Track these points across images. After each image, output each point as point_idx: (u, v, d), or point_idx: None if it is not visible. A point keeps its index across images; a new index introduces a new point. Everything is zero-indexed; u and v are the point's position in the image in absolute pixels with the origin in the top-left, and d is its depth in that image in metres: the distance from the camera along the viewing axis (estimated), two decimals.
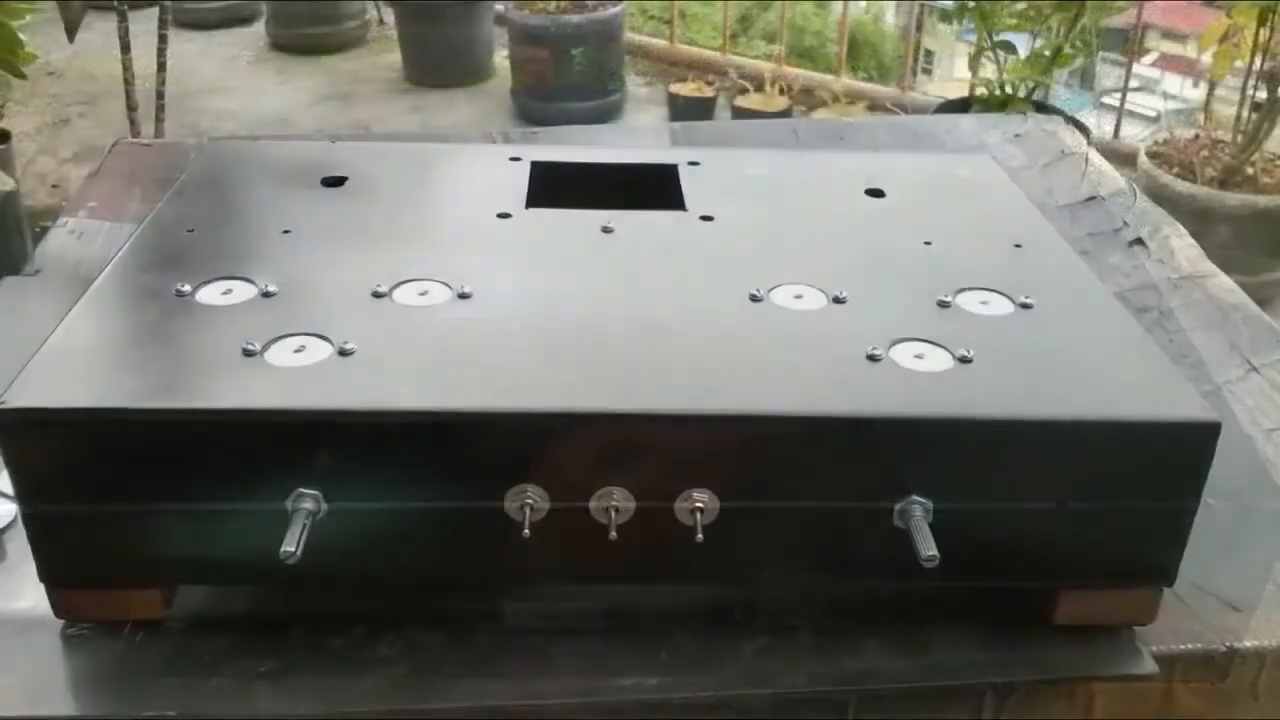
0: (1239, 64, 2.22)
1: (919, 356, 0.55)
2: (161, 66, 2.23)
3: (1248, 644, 0.57)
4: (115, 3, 2.13)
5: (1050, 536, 0.54)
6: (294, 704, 0.52)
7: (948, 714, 0.57)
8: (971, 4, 2.36)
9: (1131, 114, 3.27)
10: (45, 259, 0.87)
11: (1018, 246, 0.66)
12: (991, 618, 0.57)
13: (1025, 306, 0.60)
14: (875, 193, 0.73)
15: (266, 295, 0.58)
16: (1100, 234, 0.94)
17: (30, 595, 0.56)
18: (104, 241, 0.89)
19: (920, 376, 0.53)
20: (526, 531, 0.50)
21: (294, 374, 0.52)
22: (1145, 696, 0.57)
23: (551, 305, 0.58)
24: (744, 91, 3.06)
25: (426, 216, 0.68)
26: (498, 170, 0.74)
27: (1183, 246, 0.92)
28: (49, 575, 0.53)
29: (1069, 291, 0.62)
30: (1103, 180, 1.02)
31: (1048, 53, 2.35)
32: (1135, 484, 0.52)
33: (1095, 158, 1.06)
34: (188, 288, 0.58)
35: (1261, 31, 2.13)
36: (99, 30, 2.65)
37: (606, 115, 3.11)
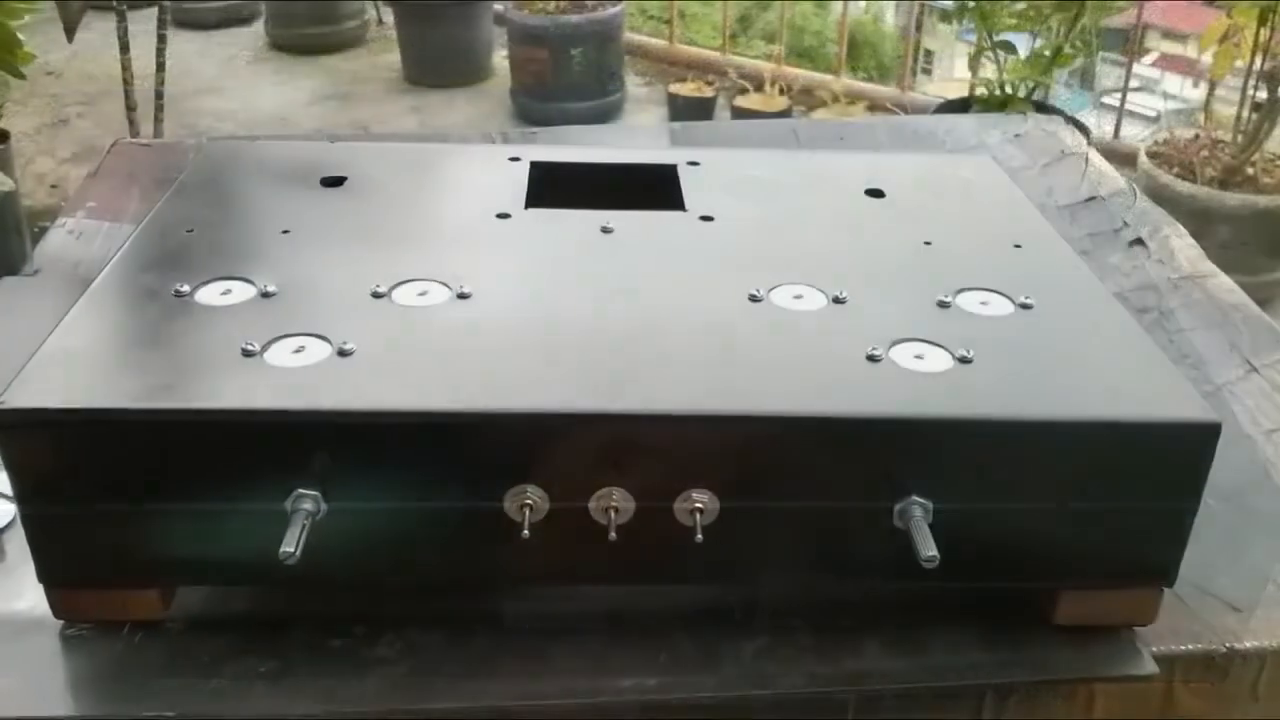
0: (1239, 64, 2.22)
1: (919, 357, 0.55)
2: (160, 66, 2.23)
3: (1248, 644, 0.57)
4: (114, 3, 2.13)
5: (1050, 537, 0.54)
6: (293, 704, 0.52)
7: (948, 714, 0.57)
8: (971, 4, 2.36)
9: (1131, 114, 3.27)
10: (44, 259, 0.87)
11: (1017, 247, 0.66)
12: (991, 618, 0.57)
13: (1025, 307, 0.59)
14: (875, 193, 0.73)
15: (266, 295, 0.58)
16: (1100, 234, 0.94)
17: (29, 596, 0.56)
18: (103, 242, 0.89)
19: (920, 377, 0.53)
20: (526, 532, 0.50)
21: (293, 374, 0.52)
22: (1145, 697, 0.57)
23: (551, 305, 0.58)
24: (744, 91, 3.06)
25: (426, 217, 0.68)
26: (497, 170, 0.74)
27: (1183, 247, 0.92)
28: (48, 576, 0.53)
29: (1069, 292, 0.62)
30: (1103, 180, 1.02)
31: (1048, 53, 2.35)
32: (1135, 484, 0.52)
33: (1095, 158, 1.06)
34: (187, 288, 0.58)
35: (1262, 31, 2.14)
36: (98, 30, 2.65)
37: (606, 115, 3.11)
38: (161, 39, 2.22)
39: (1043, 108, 2.35)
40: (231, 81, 3.43)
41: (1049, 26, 2.36)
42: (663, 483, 0.51)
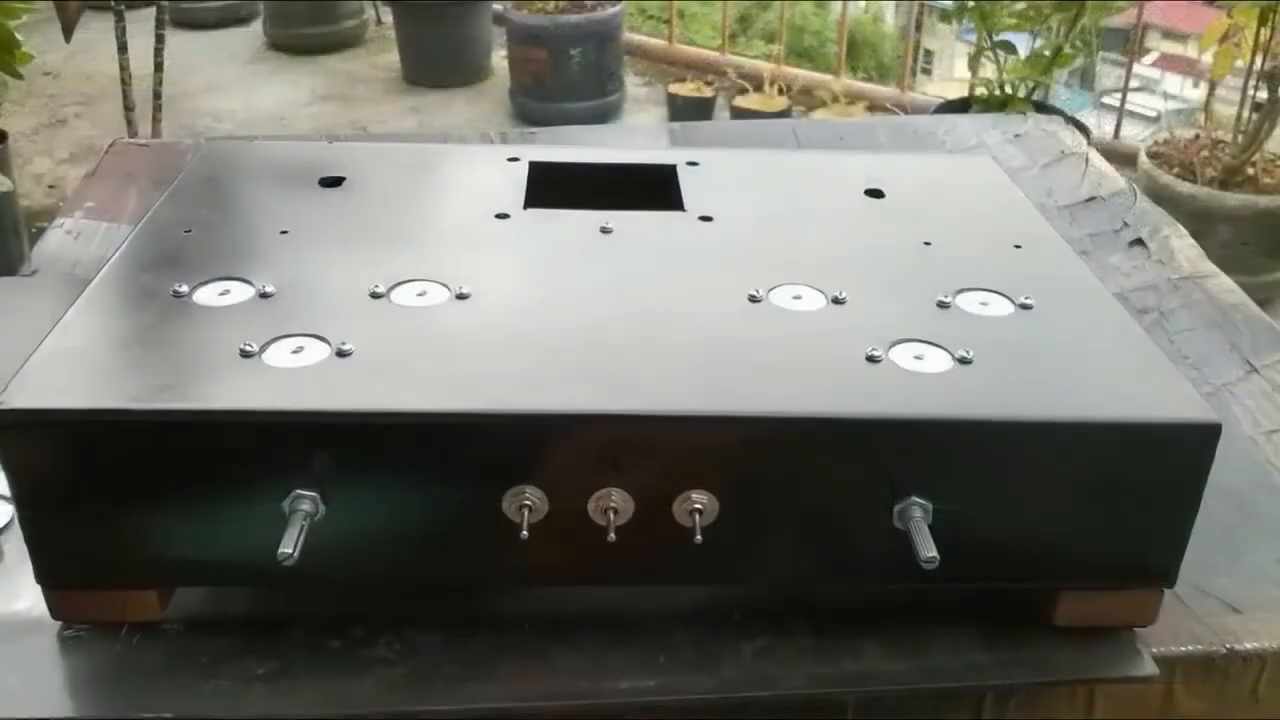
0: (1239, 64, 2.22)
1: (918, 357, 0.55)
2: (159, 66, 2.23)
3: (1248, 646, 0.56)
4: (112, 3, 2.13)
5: (1050, 538, 0.54)
6: (292, 705, 0.51)
7: (947, 714, 0.57)
8: (971, 4, 2.36)
9: (1132, 114, 3.27)
10: (42, 259, 0.87)
11: (1017, 247, 0.66)
12: (991, 619, 0.57)
13: (1025, 307, 0.59)
14: (875, 193, 0.73)
15: (264, 296, 0.57)
16: (1100, 234, 0.94)
17: (27, 597, 0.55)
18: (101, 242, 0.89)
19: (920, 377, 0.53)
20: (525, 533, 0.50)
21: (292, 375, 0.51)
22: (1146, 698, 0.57)
23: (550, 306, 0.58)
24: (743, 91, 3.06)
25: (424, 217, 0.68)
26: (496, 171, 0.74)
27: (1183, 247, 0.92)
28: (46, 576, 0.53)
29: (1069, 292, 0.61)
30: (1103, 180, 1.02)
31: (1048, 53, 2.35)
32: (1135, 485, 0.52)
33: (1095, 158, 1.06)
34: (185, 288, 0.58)
35: (1262, 31, 2.13)
36: (96, 30, 2.65)
37: (605, 115, 3.11)
38: (159, 39, 2.22)
39: (1043, 108, 2.35)
40: (230, 82, 3.43)
41: (1049, 26, 2.36)
42: (662, 483, 0.51)
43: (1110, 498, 0.52)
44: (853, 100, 3.08)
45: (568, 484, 0.50)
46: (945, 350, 0.55)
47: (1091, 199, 0.99)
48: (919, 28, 3.55)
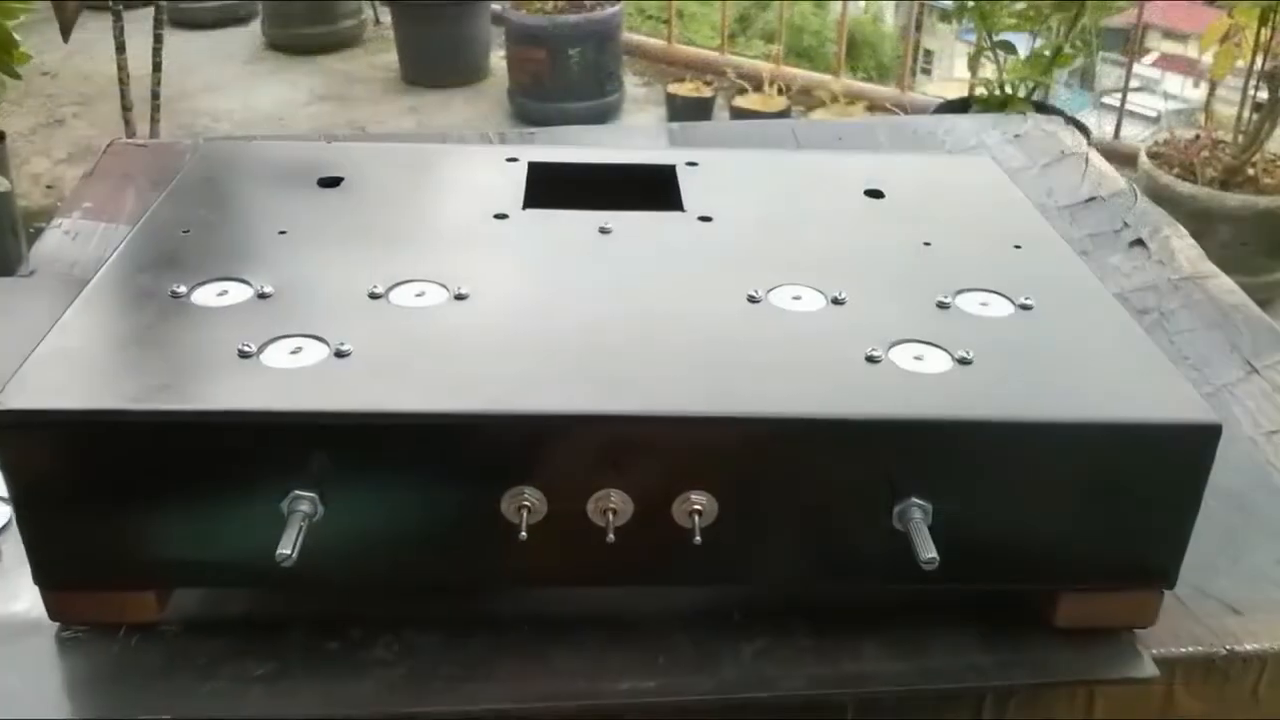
0: (1240, 64, 2.22)
1: (918, 358, 0.54)
2: (157, 66, 2.23)
3: (1248, 647, 0.56)
4: (110, 3, 2.13)
5: (1050, 539, 0.53)
6: (290, 706, 0.51)
7: (947, 715, 0.56)
8: (971, 4, 2.36)
9: (1132, 114, 3.27)
10: (40, 260, 0.87)
11: (1017, 247, 0.66)
12: (991, 620, 0.57)
13: (1025, 308, 0.59)
14: (874, 193, 0.73)
15: (262, 296, 0.57)
16: (1100, 235, 0.94)
17: (25, 598, 0.55)
18: (99, 242, 0.88)
19: (919, 378, 0.53)
20: (524, 534, 0.50)
21: (290, 376, 0.51)
22: (1146, 699, 0.57)
23: (549, 306, 0.58)
24: (742, 92, 3.06)
25: (423, 217, 0.68)
26: (494, 171, 0.74)
27: (1183, 247, 0.92)
28: (44, 577, 0.53)
29: (1069, 293, 0.61)
30: (1103, 181, 1.02)
31: (1048, 53, 2.35)
32: (1135, 486, 0.52)
33: (1095, 158, 1.06)
34: (183, 289, 0.58)
35: (1262, 31, 2.13)
36: (94, 30, 2.64)
37: (604, 115, 3.11)
38: (158, 39, 2.22)
39: (1043, 108, 2.35)
40: (228, 82, 3.43)
41: (1049, 26, 2.36)
42: (661, 484, 0.51)
43: (1110, 499, 0.52)
44: (852, 100, 3.08)
45: (567, 485, 0.50)
46: (945, 351, 0.55)
47: (1091, 199, 0.99)
48: (919, 28, 3.55)
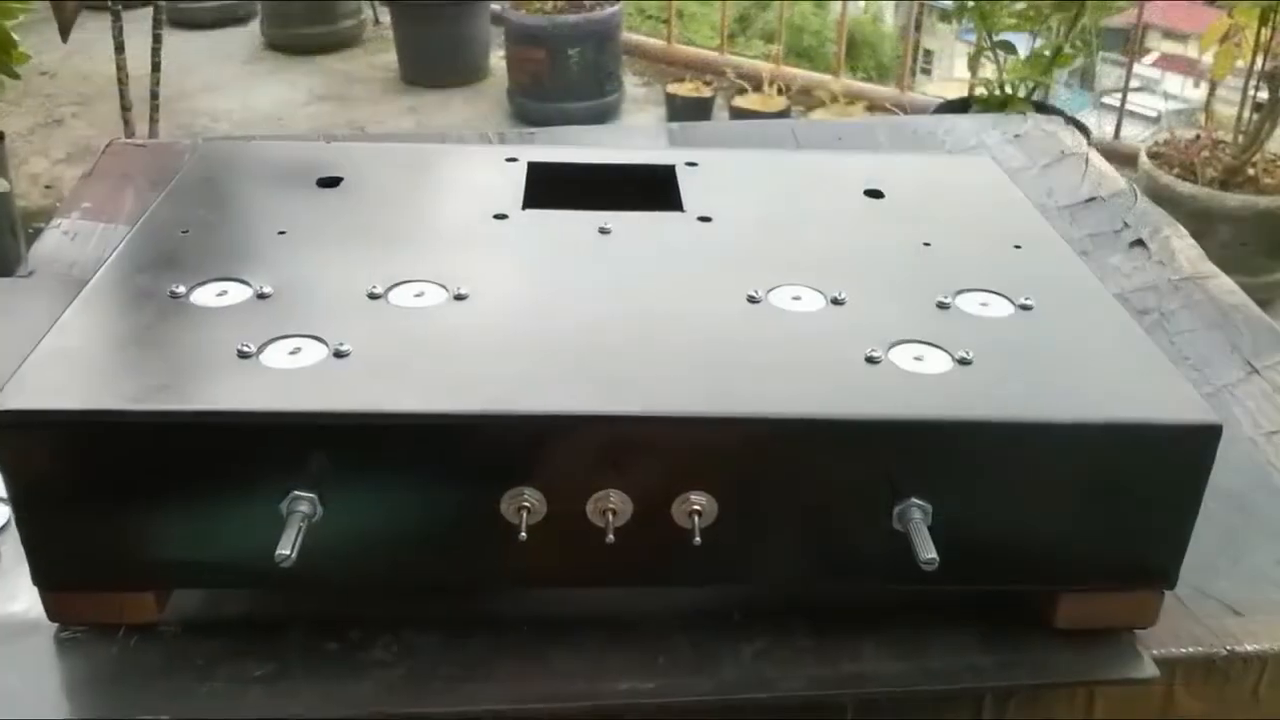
0: (1240, 64, 2.22)
1: (918, 358, 0.54)
2: (156, 66, 2.23)
3: (1249, 647, 0.56)
4: (109, 3, 2.13)
5: (1050, 539, 0.53)
6: (290, 707, 0.51)
7: (947, 716, 0.56)
8: (971, 4, 2.36)
9: (1132, 114, 3.27)
10: (38, 260, 0.87)
11: (1017, 248, 0.66)
12: (991, 620, 0.56)
13: (1025, 308, 0.59)
14: (874, 193, 0.73)
15: (261, 297, 0.57)
16: (1100, 235, 0.94)
17: (24, 598, 0.55)
18: (98, 243, 0.88)
19: (919, 378, 0.53)
20: (523, 534, 0.50)
21: (289, 376, 0.51)
22: (1146, 700, 0.57)
23: (548, 306, 0.58)
24: (742, 92, 3.06)
25: (422, 217, 0.68)
26: (494, 171, 0.74)
27: (1183, 247, 0.92)
28: (43, 578, 0.52)
29: (1069, 293, 0.61)
30: (1103, 181, 1.02)
31: (1048, 53, 2.35)
32: (1136, 486, 0.52)
33: (1095, 158, 1.05)
34: (182, 289, 0.58)
35: (1263, 31, 2.13)
36: (93, 30, 2.64)
37: (604, 115, 3.11)
38: (157, 39, 2.22)
39: (1043, 108, 2.35)
40: (227, 82, 3.43)
41: (1049, 26, 2.36)
42: (661, 485, 0.51)
43: (1110, 499, 0.52)
44: (852, 100, 3.08)
45: (566, 485, 0.50)
46: (945, 351, 0.55)
47: (1091, 199, 0.99)
48: (919, 27, 3.55)
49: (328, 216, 0.67)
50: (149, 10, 2.24)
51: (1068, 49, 2.35)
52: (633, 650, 0.54)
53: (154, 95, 2.25)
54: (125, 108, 2.20)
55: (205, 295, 0.57)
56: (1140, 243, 0.92)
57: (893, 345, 0.55)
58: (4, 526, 0.60)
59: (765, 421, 0.50)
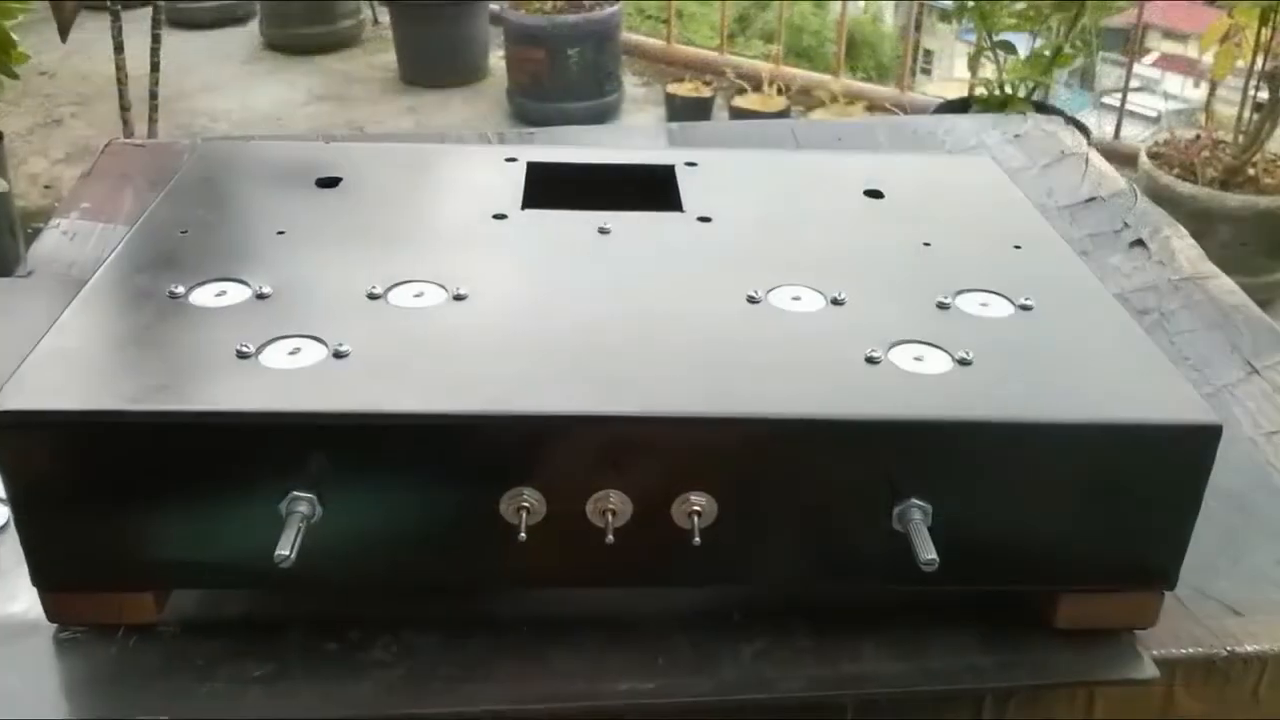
0: (1240, 64, 2.22)
1: (918, 358, 0.54)
2: (155, 66, 2.23)
3: (1249, 648, 0.56)
4: (108, 3, 2.13)
5: (1050, 540, 0.53)
6: (289, 708, 0.51)
7: (947, 716, 0.56)
8: (971, 4, 2.36)
9: (1132, 114, 3.27)
10: (37, 260, 0.87)
11: (1017, 248, 0.66)
12: (991, 621, 0.56)
13: (1025, 308, 0.59)
14: (874, 194, 0.73)
15: (260, 297, 0.57)
16: (1100, 235, 0.94)
17: (23, 599, 0.55)
18: (97, 243, 0.88)
19: (919, 379, 0.53)
20: (523, 535, 0.50)
21: (288, 376, 0.51)
22: (1146, 700, 0.57)
23: (547, 307, 0.58)
24: (742, 92, 3.06)
25: (421, 218, 0.68)
26: (493, 171, 0.73)
27: (1184, 247, 0.92)
28: (42, 578, 0.52)
29: (1069, 293, 0.61)
30: (1103, 181, 1.02)
31: (1048, 53, 2.35)
32: (1136, 487, 0.52)
33: (1095, 158, 1.05)
34: (181, 289, 0.58)
35: (1263, 31, 2.13)
36: (92, 30, 2.64)
37: (603, 116, 3.11)
38: (156, 39, 2.21)
39: (1043, 108, 2.35)
40: (226, 82, 3.43)
41: (1049, 26, 2.36)
42: (660, 485, 0.51)
43: (1110, 499, 0.52)
44: (852, 100, 3.08)
45: (566, 485, 0.50)
46: (945, 351, 0.55)
47: (1091, 199, 0.99)
48: (919, 27, 3.55)
49: (327, 217, 0.67)
50: (148, 10, 2.24)
51: (1068, 49, 2.35)
52: (632, 650, 0.54)
53: (153, 95, 2.25)
54: (124, 108, 2.20)
55: (204, 295, 0.57)
56: (1140, 243, 0.92)
57: (893, 345, 0.55)
58: (3, 527, 0.60)
59: (765, 422, 0.50)
